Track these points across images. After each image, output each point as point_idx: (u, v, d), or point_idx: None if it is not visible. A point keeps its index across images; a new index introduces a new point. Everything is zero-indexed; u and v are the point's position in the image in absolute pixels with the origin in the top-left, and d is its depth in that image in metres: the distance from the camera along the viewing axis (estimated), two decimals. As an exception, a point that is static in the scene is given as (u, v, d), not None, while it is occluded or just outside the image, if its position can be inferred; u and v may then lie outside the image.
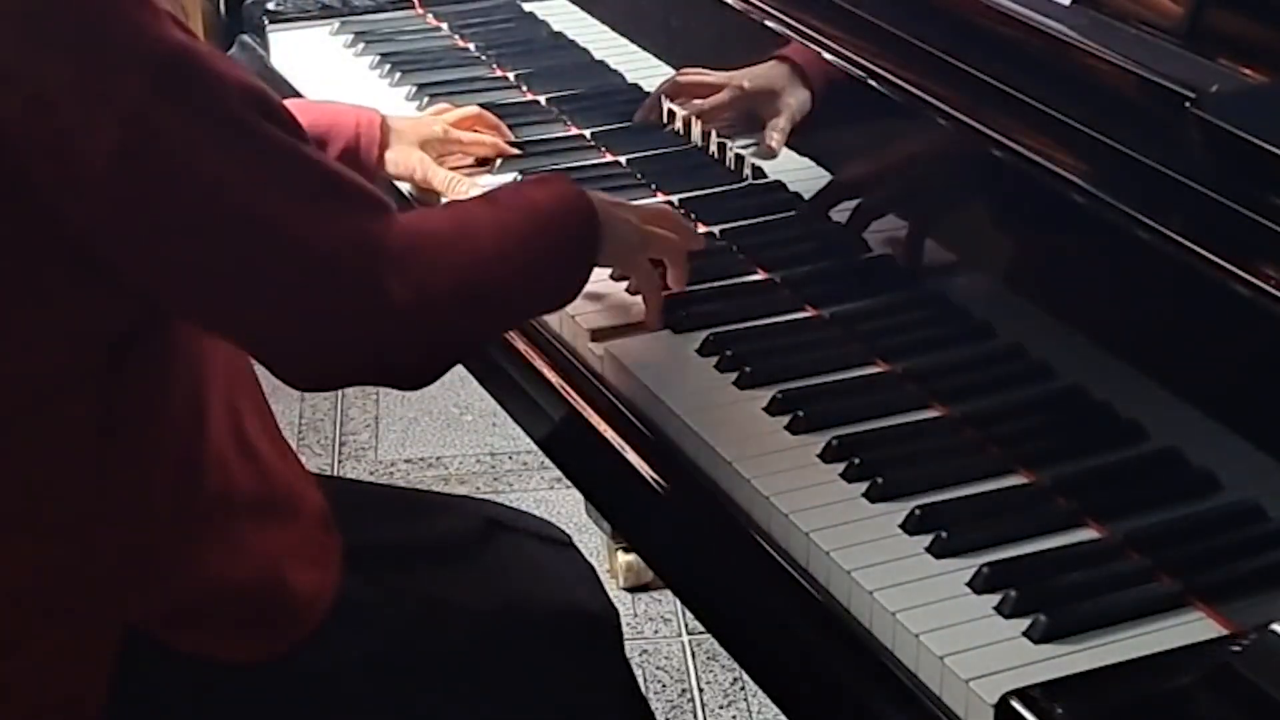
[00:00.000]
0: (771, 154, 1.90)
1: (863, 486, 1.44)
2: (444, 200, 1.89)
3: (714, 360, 1.62)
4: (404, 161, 1.90)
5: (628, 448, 1.59)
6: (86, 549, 1.43)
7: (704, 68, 2.02)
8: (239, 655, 1.48)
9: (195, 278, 1.35)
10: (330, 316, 1.37)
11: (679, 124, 2.01)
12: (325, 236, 1.34)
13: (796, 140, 1.90)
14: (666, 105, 2.02)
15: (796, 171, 1.88)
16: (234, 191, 1.32)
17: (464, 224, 1.45)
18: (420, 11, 2.46)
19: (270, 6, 2.42)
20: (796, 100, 1.87)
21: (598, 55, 2.24)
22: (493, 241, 1.46)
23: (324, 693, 1.51)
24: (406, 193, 1.96)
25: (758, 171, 1.91)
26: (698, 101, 1.98)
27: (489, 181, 1.94)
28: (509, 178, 1.95)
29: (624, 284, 1.71)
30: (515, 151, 1.99)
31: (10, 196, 1.32)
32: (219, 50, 1.33)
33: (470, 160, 1.98)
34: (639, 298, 1.69)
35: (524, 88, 2.21)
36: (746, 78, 1.94)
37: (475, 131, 1.99)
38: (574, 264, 1.56)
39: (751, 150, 1.93)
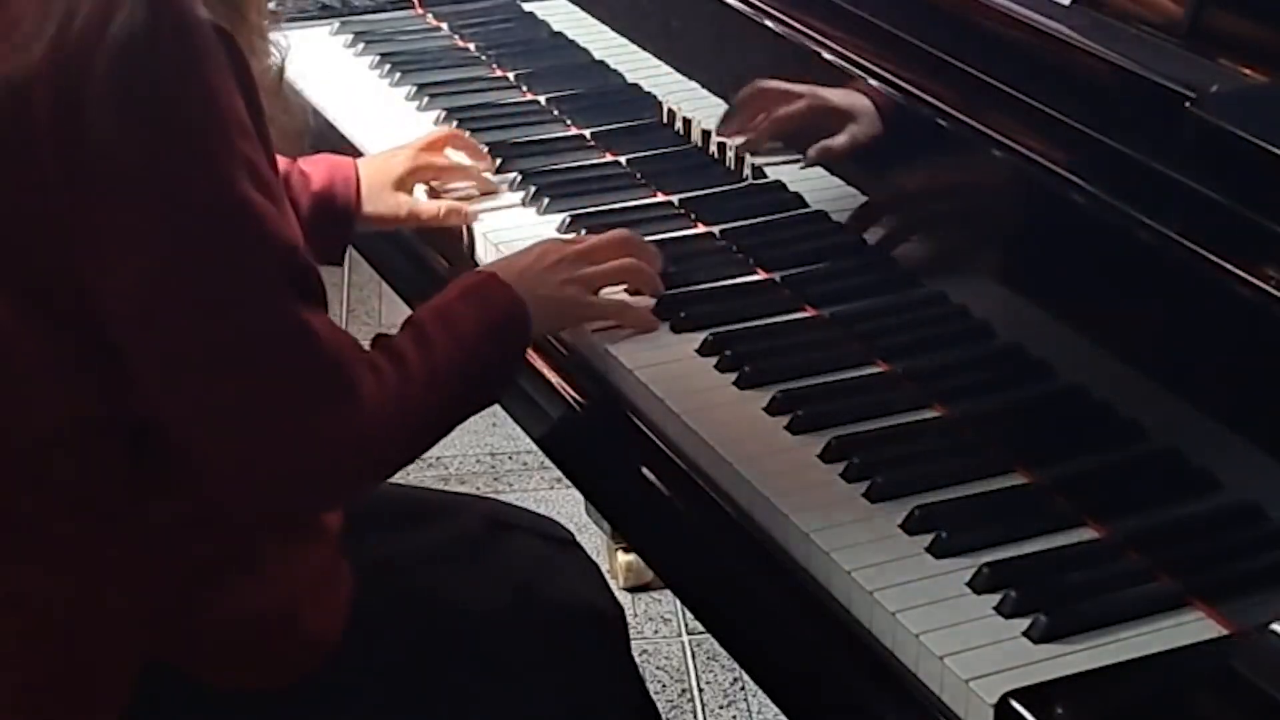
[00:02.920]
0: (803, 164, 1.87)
1: (863, 486, 1.44)
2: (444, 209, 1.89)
3: (714, 360, 1.62)
4: (384, 212, 1.87)
5: (627, 448, 1.59)
6: (107, 589, 1.43)
7: (706, 70, 2.02)
8: (259, 682, 1.48)
9: (183, 406, 1.38)
10: (285, 490, 1.42)
11: (679, 124, 2.01)
12: (301, 430, 1.38)
13: (796, 140, 1.90)
14: (667, 105, 2.02)
15: (796, 171, 1.88)
16: (228, 357, 1.35)
17: (407, 395, 1.45)
18: (420, 11, 2.46)
19: (270, 6, 2.41)
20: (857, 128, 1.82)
21: (598, 55, 2.24)
22: (438, 399, 1.48)
23: (340, 707, 1.51)
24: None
25: (758, 171, 1.91)
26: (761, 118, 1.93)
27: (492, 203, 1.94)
28: (509, 178, 1.95)
29: (624, 284, 1.70)
30: (490, 183, 1.95)
31: (52, 267, 1.34)
32: (276, 202, 1.36)
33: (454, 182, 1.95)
34: (638, 298, 1.69)
35: (524, 88, 2.21)
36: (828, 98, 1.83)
37: (450, 151, 1.96)
38: (509, 373, 1.59)
39: (751, 146, 1.92)
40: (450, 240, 1.92)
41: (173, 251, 1.32)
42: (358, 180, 1.85)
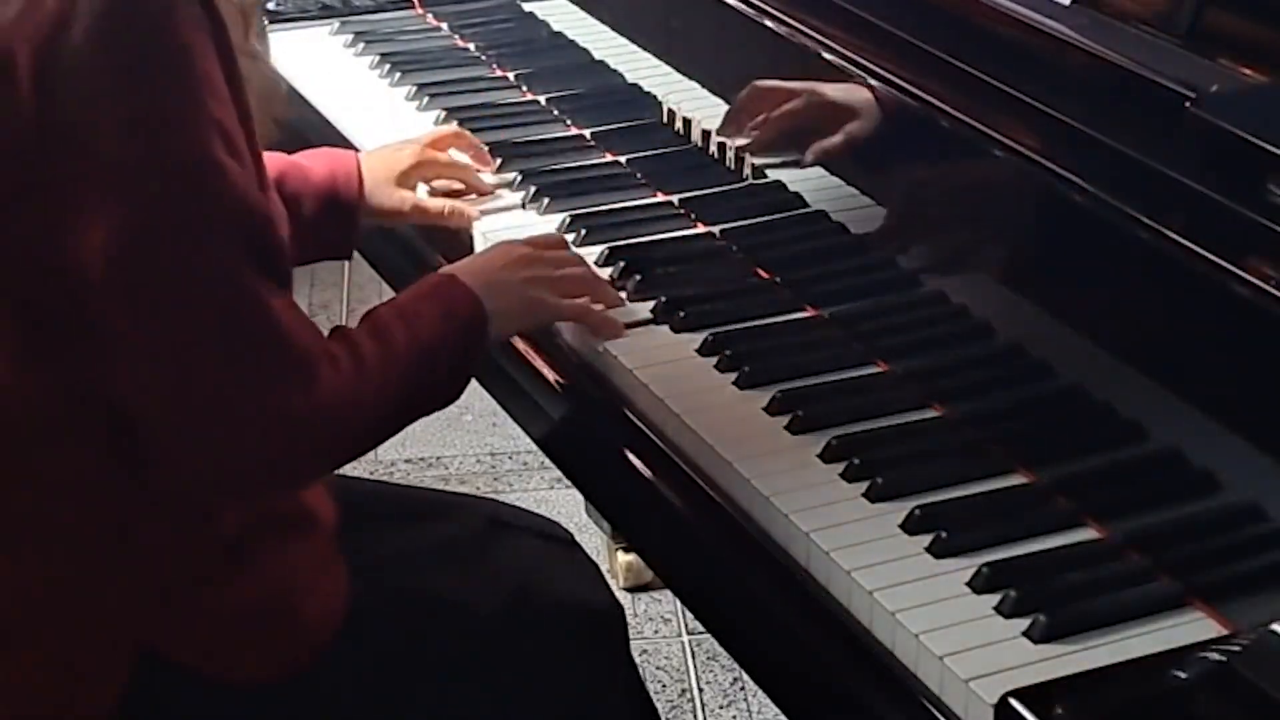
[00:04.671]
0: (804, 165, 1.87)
1: (863, 486, 1.44)
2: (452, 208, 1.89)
3: (714, 360, 1.62)
4: (387, 204, 1.86)
5: (628, 448, 1.59)
6: (103, 578, 1.43)
7: (706, 70, 2.02)
8: (252, 675, 1.48)
9: (139, 379, 1.36)
10: (234, 470, 1.40)
11: (679, 124, 2.01)
12: (254, 406, 1.37)
13: (797, 140, 1.90)
14: (667, 105, 2.03)
15: (796, 171, 1.88)
16: (187, 325, 1.34)
17: (362, 387, 1.44)
18: (420, 11, 2.46)
19: (270, 6, 2.41)
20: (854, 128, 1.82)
21: (598, 55, 2.24)
22: (392, 394, 1.48)
23: (337, 704, 1.51)
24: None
25: (758, 171, 1.91)
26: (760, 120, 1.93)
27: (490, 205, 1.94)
28: (509, 178, 1.96)
29: (577, 304, 1.70)
30: (488, 186, 1.94)
31: (25, 258, 1.34)
32: (246, 169, 1.36)
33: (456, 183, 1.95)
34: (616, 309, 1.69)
35: (524, 88, 2.21)
36: (824, 93, 1.83)
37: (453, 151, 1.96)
38: (465, 375, 1.57)
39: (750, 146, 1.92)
40: (451, 240, 1.92)
41: (140, 210, 1.31)
42: (360, 173, 1.84)
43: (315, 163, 1.83)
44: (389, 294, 2.02)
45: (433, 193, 1.92)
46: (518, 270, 1.62)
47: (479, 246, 1.87)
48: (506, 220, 1.90)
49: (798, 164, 1.86)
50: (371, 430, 1.49)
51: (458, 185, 1.94)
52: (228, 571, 1.47)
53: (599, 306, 1.68)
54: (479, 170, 1.96)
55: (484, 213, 1.90)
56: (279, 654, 1.49)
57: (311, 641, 1.50)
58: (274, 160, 1.80)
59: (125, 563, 1.44)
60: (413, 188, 1.89)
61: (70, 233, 1.32)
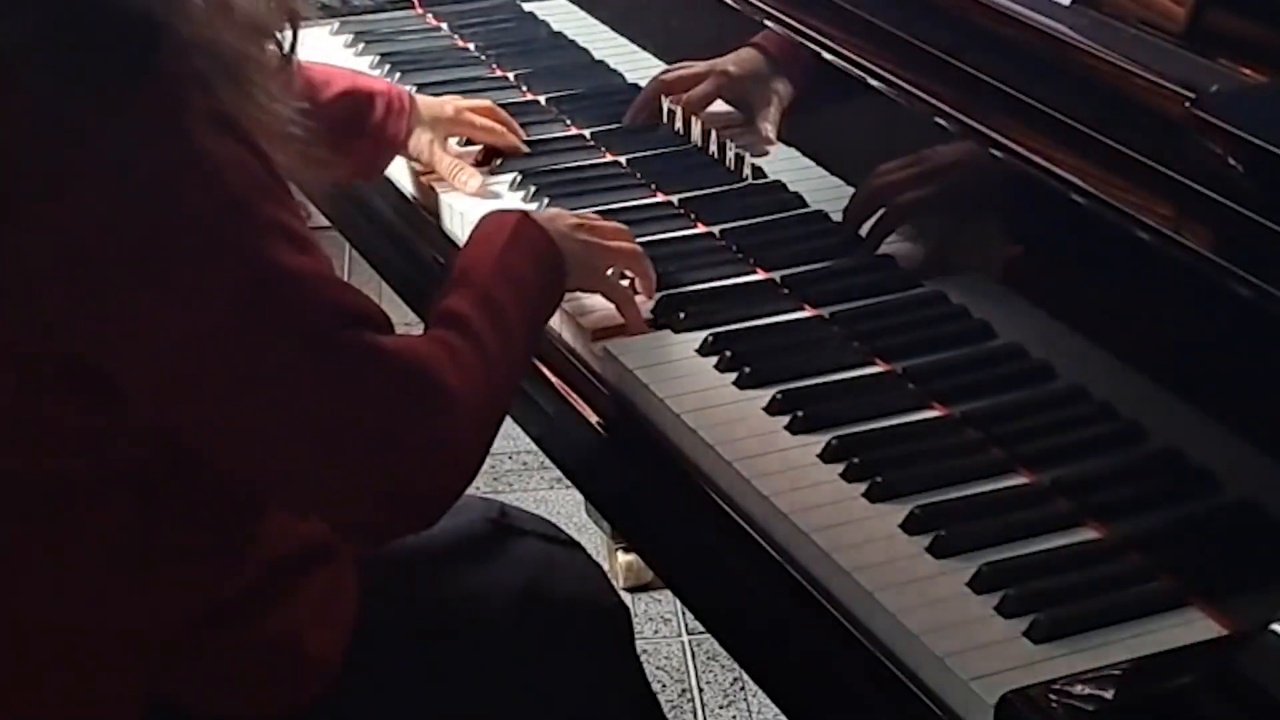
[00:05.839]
0: (768, 143, 1.90)
1: (863, 486, 1.44)
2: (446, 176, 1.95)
3: (714, 360, 1.62)
4: (414, 143, 1.94)
5: (627, 448, 1.59)
6: (117, 627, 1.42)
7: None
8: (266, 710, 1.48)
9: (272, 471, 1.35)
10: (408, 505, 1.37)
11: (679, 124, 2.01)
12: (400, 447, 1.34)
13: (798, 139, 1.90)
14: (666, 104, 2.03)
15: (796, 171, 1.88)
16: (305, 402, 1.31)
17: (491, 368, 1.42)
18: (420, 11, 2.46)
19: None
20: (783, 87, 1.88)
21: (598, 55, 2.24)
22: (515, 358, 1.48)
23: (349, 714, 1.51)
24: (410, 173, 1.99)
25: (758, 171, 1.91)
26: (687, 94, 2.00)
27: (488, 183, 1.95)
28: (509, 178, 1.96)
29: (624, 285, 1.71)
30: (524, 148, 2.01)
31: (68, 360, 1.31)
32: (310, 250, 1.33)
33: (478, 146, 2.01)
34: (637, 299, 1.69)
35: (524, 88, 2.21)
36: (731, 63, 1.95)
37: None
38: (550, 311, 1.60)
39: (749, 145, 1.92)
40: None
41: (216, 334, 1.28)
42: (411, 110, 1.93)
43: (376, 85, 1.92)
44: (389, 294, 2.03)
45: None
46: (576, 230, 1.64)
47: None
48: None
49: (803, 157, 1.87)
50: (503, 404, 1.46)
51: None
52: (246, 613, 1.46)
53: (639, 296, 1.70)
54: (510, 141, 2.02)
55: (482, 184, 1.94)
56: (293, 686, 1.48)
57: (323, 666, 1.49)
58: (335, 75, 1.88)
59: (144, 614, 1.43)
60: (442, 140, 1.97)
61: (136, 357, 1.30)
